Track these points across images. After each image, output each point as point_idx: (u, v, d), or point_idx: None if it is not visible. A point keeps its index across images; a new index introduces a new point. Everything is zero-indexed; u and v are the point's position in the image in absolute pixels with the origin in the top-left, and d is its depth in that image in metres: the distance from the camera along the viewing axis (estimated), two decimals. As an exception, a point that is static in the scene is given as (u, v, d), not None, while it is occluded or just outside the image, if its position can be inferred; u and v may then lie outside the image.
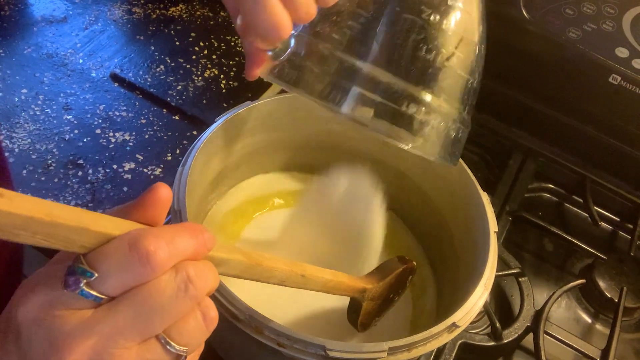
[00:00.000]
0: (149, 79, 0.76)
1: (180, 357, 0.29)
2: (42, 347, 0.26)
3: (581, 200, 0.79)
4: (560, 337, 0.62)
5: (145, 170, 0.66)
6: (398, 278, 0.51)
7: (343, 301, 0.51)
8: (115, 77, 0.76)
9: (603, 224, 0.77)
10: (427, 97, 0.42)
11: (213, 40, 0.83)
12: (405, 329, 0.58)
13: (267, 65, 0.43)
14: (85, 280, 0.27)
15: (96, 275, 0.27)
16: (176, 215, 0.46)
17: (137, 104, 0.74)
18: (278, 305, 0.54)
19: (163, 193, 0.30)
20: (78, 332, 0.26)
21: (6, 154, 0.65)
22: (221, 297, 0.42)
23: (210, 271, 0.30)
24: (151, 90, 0.75)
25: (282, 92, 0.82)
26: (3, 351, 0.28)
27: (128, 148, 0.68)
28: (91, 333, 0.26)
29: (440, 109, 0.43)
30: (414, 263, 0.53)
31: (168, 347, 0.28)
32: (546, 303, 0.63)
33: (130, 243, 0.27)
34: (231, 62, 0.81)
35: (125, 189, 0.64)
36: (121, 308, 0.27)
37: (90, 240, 0.27)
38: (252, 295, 0.49)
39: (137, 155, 0.68)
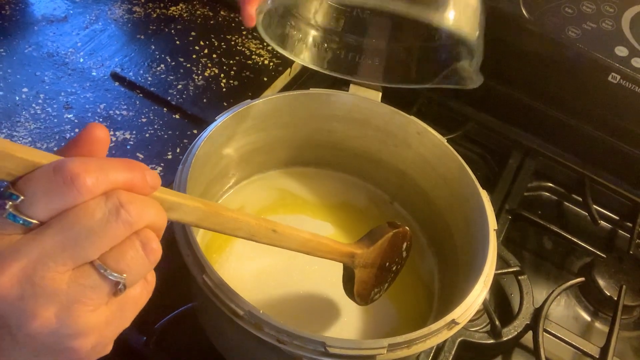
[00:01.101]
0: (150, 78, 0.76)
1: (119, 284, 0.28)
2: None
3: (580, 199, 0.79)
4: (559, 335, 0.63)
5: (145, 168, 0.66)
6: (391, 243, 0.49)
7: (345, 299, 0.52)
8: (115, 76, 0.76)
9: (602, 222, 0.77)
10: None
11: (213, 40, 0.83)
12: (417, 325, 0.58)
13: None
14: (11, 203, 0.26)
15: (22, 198, 0.26)
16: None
17: (137, 102, 0.74)
18: (278, 301, 0.54)
19: (98, 131, 0.30)
20: (6, 254, 0.26)
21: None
22: (221, 293, 0.42)
23: (148, 204, 0.29)
24: (152, 89, 0.75)
25: (283, 90, 0.82)
26: None
27: (129, 147, 0.68)
28: (20, 255, 0.26)
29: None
30: (407, 228, 0.51)
31: (103, 272, 0.28)
32: (545, 301, 0.63)
33: (56, 167, 0.26)
34: (231, 61, 0.81)
35: (125, 187, 0.64)
36: (50, 231, 0.26)
37: (17, 168, 0.27)
38: (252, 291, 0.50)
39: (138, 154, 0.68)
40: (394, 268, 0.52)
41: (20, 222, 0.26)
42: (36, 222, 0.27)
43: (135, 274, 0.29)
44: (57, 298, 0.27)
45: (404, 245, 0.52)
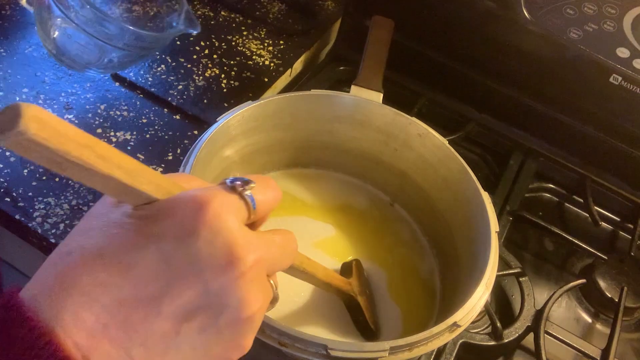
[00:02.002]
0: (150, 79, 0.76)
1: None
2: (222, 250, 0.28)
3: (582, 200, 0.79)
4: (560, 337, 0.63)
5: (146, 169, 0.66)
6: (358, 269, 0.56)
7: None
8: (116, 77, 0.76)
9: (603, 223, 0.77)
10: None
11: (214, 40, 0.83)
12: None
13: None
14: (253, 185, 0.31)
15: (255, 184, 0.31)
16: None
17: (138, 103, 0.74)
18: (279, 303, 0.54)
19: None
20: (251, 242, 0.30)
21: (7, 154, 0.65)
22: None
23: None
24: (152, 89, 0.75)
25: (283, 91, 0.82)
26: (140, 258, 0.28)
27: (129, 147, 0.68)
28: (259, 249, 0.30)
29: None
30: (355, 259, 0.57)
31: (273, 284, 0.34)
32: (547, 303, 0.63)
33: (268, 180, 0.34)
34: (232, 62, 0.81)
35: (126, 188, 0.64)
36: (277, 242, 0.32)
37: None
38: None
39: (138, 155, 0.68)
40: (368, 292, 0.56)
41: (254, 205, 0.31)
42: (255, 209, 0.31)
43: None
44: (265, 293, 0.31)
45: (364, 271, 0.58)
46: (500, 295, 0.67)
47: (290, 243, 0.34)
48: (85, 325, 0.27)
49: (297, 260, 0.41)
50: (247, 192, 0.31)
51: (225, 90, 0.77)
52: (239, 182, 0.31)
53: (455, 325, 0.45)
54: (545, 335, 0.61)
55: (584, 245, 0.71)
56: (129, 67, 0.76)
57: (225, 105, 0.75)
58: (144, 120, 0.72)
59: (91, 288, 0.27)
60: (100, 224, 0.29)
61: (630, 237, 0.74)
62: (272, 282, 0.33)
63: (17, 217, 0.60)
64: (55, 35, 0.70)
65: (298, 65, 0.85)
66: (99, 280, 0.27)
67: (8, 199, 0.61)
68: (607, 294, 0.67)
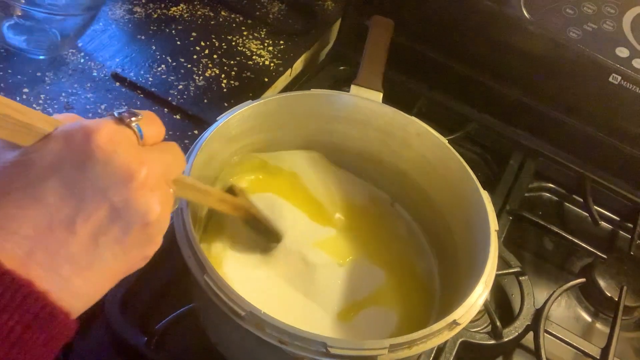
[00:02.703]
0: (150, 79, 0.76)
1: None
2: (119, 167, 0.32)
3: (581, 200, 0.79)
4: (560, 336, 0.63)
5: (146, 169, 0.66)
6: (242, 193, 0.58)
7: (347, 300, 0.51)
8: (116, 77, 0.76)
9: (603, 223, 0.78)
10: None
11: (214, 40, 0.83)
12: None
13: None
14: (139, 117, 0.34)
15: (141, 116, 0.34)
16: (178, 214, 0.46)
17: (138, 103, 0.74)
18: (279, 301, 0.54)
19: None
20: (151, 158, 0.33)
21: (8, 153, 0.65)
22: (222, 294, 0.42)
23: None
24: (152, 89, 0.75)
25: (284, 91, 0.82)
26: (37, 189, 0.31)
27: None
28: (160, 162, 0.34)
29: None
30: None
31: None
32: (546, 302, 0.63)
33: (151, 114, 0.36)
34: (232, 62, 0.81)
35: (126, 187, 0.64)
36: (170, 152, 0.36)
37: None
38: (253, 292, 0.50)
39: (139, 154, 0.68)
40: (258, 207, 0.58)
41: (140, 134, 0.34)
42: (142, 139, 0.34)
43: None
44: (165, 198, 0.34)
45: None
46: (500, 295, 0.67)
47: (177, 150, 0.37)
48: (11, 254, 0.30)
49: (187, 179, 0.45)
50: (134, 123, 0.34)
51: (225, 90, 0.77)
52: (125, 114, 0.34)
53: (455, 323, 0.45)
54: (545, 334, 0.61)
55: (583, 245, 0.71)
56: (85, 33, 0.78)
57: (226, 105, 0.75)
58: (144, 120, 0.72)
59: (6, 222, 0.30)
60: (3, 169, 0.32)
61: (629, 237, 0.74)
62: (171, 189, 0.36)
63: None
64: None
65: (298, 65, 0.85)
66: (12, 214, 0.30)
67: None
68: (607, 293, 0.67)
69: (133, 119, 0.34)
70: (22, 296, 0.29)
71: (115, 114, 0.34)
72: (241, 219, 0.56)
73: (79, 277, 0.32)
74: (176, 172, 0.37)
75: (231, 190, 0.57)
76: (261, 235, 0.57)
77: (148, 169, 0.33)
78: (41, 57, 0.75)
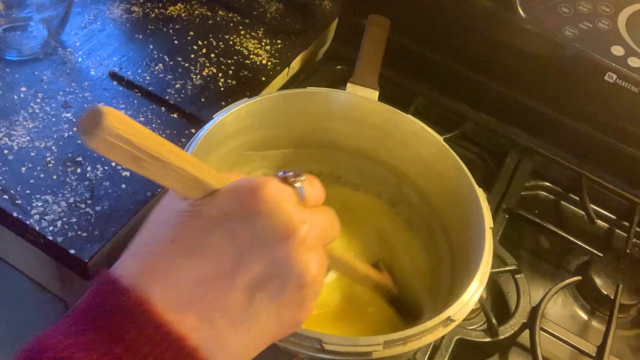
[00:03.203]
0: (148, 78, 0.76)
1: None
2: (281, 223, 0.32)
3: (577, 198, 0.79)
4: (556, 334, 0.63)
5: (143, 167, 0.66)
6: (386, 269, 0.57)
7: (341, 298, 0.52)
8: (114, 76, 0.76)
9: (599, 221, 0.78)
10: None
11: (211, 39, 0.84)
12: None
13: None
14: (303, 178, 0.35)
15: (304, 177, 0.35)
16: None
17: (135, 102, 0.74)
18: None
19: None
20: (312, 218, 0.33)
21: (5, 152, 0.65)
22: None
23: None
24: (150, 88, 0.75)
25: (281, 89, 0.82)
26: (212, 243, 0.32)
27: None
28: (320, 223, 0.34)
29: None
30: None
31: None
32: (542, 300, 0.63)
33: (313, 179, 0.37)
34: (229, 61, 0.81)
35: (123, 186, 0.64)
36: (326, 215, 0.36)
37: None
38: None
39: (136, 153, 0.68)
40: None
41: (301, 194, 0.34)
42: (304, 200, 0.35)
43: None
44: (322, 261, 0.34)
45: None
46: (496, 292, 0.67)
47: (333, 215, 0.37)
48: (171, 303, 0.30)
49: (337, 250, 0.45)
50: (298, 184, 0.34)
51: (222, 89, 0.77)
52: (290, 174, 0.35)
53: (449, 319, 0.45)
54: (541, 331, 0.61)
55: (579, 243, 0.71)
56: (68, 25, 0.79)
57: (223, 104, 0.75)
58: (142, 119, 0.72)
59: (171, 271, 0.31)
60: (170, 215, 0.33)
61: (625, 235, 0.74)
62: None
63: (14, 214, 0.60)
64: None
65: (295, 65, 0.85)
66: (176, 263, 0.31)
67: (6, 197, 0.61)
68: (603, 291, 0.67)
69: (297, 179, 0.35)
70: (173, 350, 0.29)
71: (281, 173, 0.35)
72: (382, 297, 0.55)
73: (231, 331, 0.31)
74: (332, 237, 0.37)
75: (376, 266, 0.56)
76: (401, 314, 0.56)
77: (309, 228, 0.33)
78: (20, 58, 0.76)
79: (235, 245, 0.31)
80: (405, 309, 0.55)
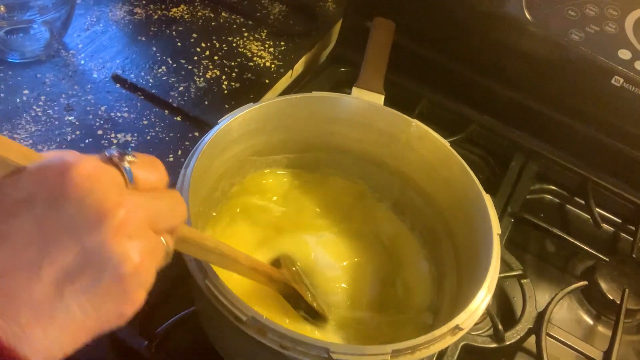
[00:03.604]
0: (151, 80, 0.76)
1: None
2: (92, 208, 0.28)
3: (583, 202, 0.78)
4: (562, 339, 0.62)
5: (147, 171, 0.66)
6: (288, 264, 0.55)
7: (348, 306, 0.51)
8: (117, 78, 0.76)
9: (605, 225, 0.77)
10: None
11: (215, 41, 0.83)
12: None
13: None
14: (131, 159, 0.31)
15: (136, 160, 0.31)
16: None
17: (138, 105, 0.73)
18: (281, 307, 0.54)
19: None
20: (136, 201, 0.30)
21: None
22: (223, 299, 0.42)
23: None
24: (153, 91, 0.75)
25: (284, 92, 0.82)
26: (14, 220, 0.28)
27: (130, 149, 0.68)
28: (146, 207, 0.31)
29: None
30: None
31: (164, 242, 0.33)
32: (548, 305, 0.63)
33: (152, 159, 0.34)
34: (233, 63, 0.81)
35: (127, 190, 0.64)
36: (163, 199, 0.33)
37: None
38: (253, 297, 0.49)
39: (139, 157, 0.67)
40: (304, 282, 0.55)
41: (130, 177, 0.31)
42: (132, 184, 0.31)
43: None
44: (149, 249, 0.31)
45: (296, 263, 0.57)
46: (501, 297, 0.67)
47: (177, 198, 0.34)
48: None
49: (211, 241, 0.42)
50: (125, 165, 0.31)
51: (226, 91, 0.77)
52: (116, 153, 0.31)
53: (458, 328, 0.45)
54: (547, 337, 0.61)
55: (585, 247, 0.71)
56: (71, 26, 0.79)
57: (226, 106, 0.75)
58: (145, 122, 0.71)
59: None
60: None
61: (631, 239, 0.74)
62: (163, 239, 0.32)
63: None
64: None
65: (299, 67, 0.85)
66: None
67: None
68: (609, 295, 0.67)
69: (124, 158, 0.31)
70: None
71: (107, 152, 0.31)
72: (278, 292, 0.52)
73: (38, 327, 0.28)
74: (170, 222, 0.33)
75: (277, 262, 0.54)
76: (300, 311, 0.53)
77: (127, 212, 0.29)
78: (22, 61, 0.76)
79: (41, 233, 0.28)
80: (306, 308, 0.53)
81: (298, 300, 0.52)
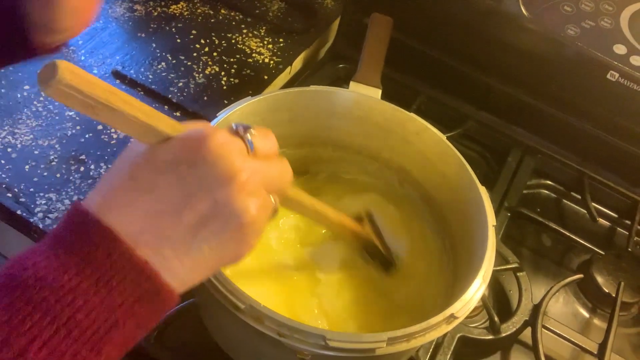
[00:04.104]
0: (151, 76, 0.77)
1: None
2: (224, 169, 0.35)
3: (579, 197, 0.79)
4: (558, 331, 0.63)
5: (146, 165, 0.67)
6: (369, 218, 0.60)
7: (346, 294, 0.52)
8: (117, 74, 0.76)
9: (601, 220, 0.78)
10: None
11: (214, 38, 0.84)
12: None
13: None
14: (254, 132, 0.38)
15: (255, 132, 0.38)
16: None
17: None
18: (279, 295, 0.54)
19: None
20: (258, 167, 0.37)
21: (9, 150, 0.65)
22: (222, 287, 0.43)
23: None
24: (152, 87, 0.75)
25: (283, 88, 0.82)
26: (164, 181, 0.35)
27: (130, 144, 0.69)
28: (263, 170, 0.37)
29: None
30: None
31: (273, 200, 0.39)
32: (544, 298, 0.63)
33: (267, 131, 0.40)
34: (232, 60, 0.81)
35: (127, 184, 0.64)
36: (276, 164, 0.40)
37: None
38: (252, 285, 0.50)
39: (139, 151, 0.68)
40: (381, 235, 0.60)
41: (251, 147, 0.37)
42: (253, 151, 0.38)
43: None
44: (262, 204, 0.37)
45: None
46: (498, 290, 0.68)
47: (285, 167, 0.41)
48: (126, 229, 0.34)
49: (308, 199, 0.49)
50: (248, 137, 0.37)
51: (225, 87, 0.78)
52: (241, 127, 0.38)
53: (453, 317, 0.45)
54: (543, 329, 0.62)
55: (581, 241, 0.72)
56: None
57: (225, 102, 0.75)
58: (145, 117, 0.72)
59: (127, 204, 0.35)
60: (131, 157, 0.37)
61: (627, 233, 0.75)
62: (272, 197, 0.39)
63: (18, 212, 0.60)
64: None
65: (298, 63, 0.85)
66: (132, 197, 0.35)
67: (10, 195, 0.61)
68: (605, 289, 0.67)
69: (247, 131, 0.38)
70: (135, 273, 0.33)
71: (234, 126, 0.38)
72: (357, 245, 0.58)
73: (177, 260, 0.35)
74: (278, 184, 0.40)
75: (359, 217, 0.58)
76: (375, 261, 0.59)
77: (248, 175, 0.36)
78: None
79: (183, 186, 0.35)
80: (381, 257, 0.59)
81: (375, 250, 0.58)
